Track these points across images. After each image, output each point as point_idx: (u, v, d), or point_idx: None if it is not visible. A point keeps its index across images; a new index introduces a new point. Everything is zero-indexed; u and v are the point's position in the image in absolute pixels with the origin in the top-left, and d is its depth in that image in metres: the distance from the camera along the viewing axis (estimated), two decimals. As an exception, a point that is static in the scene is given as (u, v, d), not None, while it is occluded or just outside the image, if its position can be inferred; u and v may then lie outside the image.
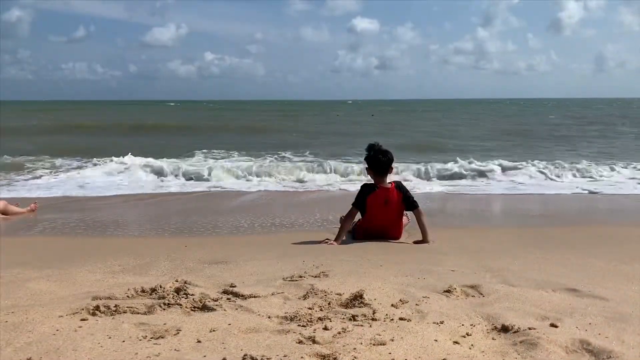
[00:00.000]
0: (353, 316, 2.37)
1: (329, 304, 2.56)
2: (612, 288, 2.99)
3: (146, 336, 2.12)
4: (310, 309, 2.48)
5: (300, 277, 3.13)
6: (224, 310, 2.46)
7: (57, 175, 10.91)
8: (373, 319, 2.34)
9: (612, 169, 11.20)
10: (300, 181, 10.31)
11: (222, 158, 14.07)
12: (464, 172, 10.83)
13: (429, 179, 10.62)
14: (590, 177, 10.58)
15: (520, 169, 11.17)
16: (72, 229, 5.82)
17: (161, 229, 5.88)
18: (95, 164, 12.01)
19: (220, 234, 5.56)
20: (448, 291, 2.81)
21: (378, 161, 4.85)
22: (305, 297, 2.70)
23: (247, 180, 10.39)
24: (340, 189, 9.32)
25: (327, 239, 4.82)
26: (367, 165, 4.97)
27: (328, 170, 11.21)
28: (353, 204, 4.92)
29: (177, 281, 2.87)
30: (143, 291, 2.74)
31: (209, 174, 10.57)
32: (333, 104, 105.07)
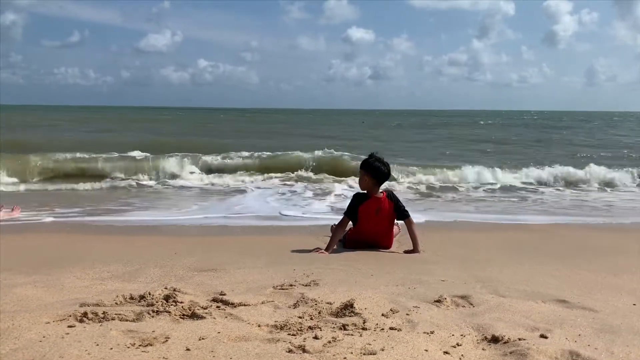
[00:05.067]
0: (343, 325, 2.36)
1: (319, 313, 2.55)
2: (601, 299, 3.00)
3: (134, 344, 2.09)
4: (300, 317, 2.47)
5: (291, 285, 3.12)
6: (214, 318, 2.45)
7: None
8: (363, 329, 2.33)
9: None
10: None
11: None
12: None
13: None
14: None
15: None
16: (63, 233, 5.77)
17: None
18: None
19: (210, 240, 5.53)
20: (438, 301, 2.81)
21: (379, 169, 4.83)
22: (295, 305, 2.69)
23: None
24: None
25: (317, 248, 4.81)
26: (365, 172, 4.88)
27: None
28: (345, 213, 4.91)
29: (166, 288, 2.85)
30: (132, 298, 2.71)
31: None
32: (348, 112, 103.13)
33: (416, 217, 5.35)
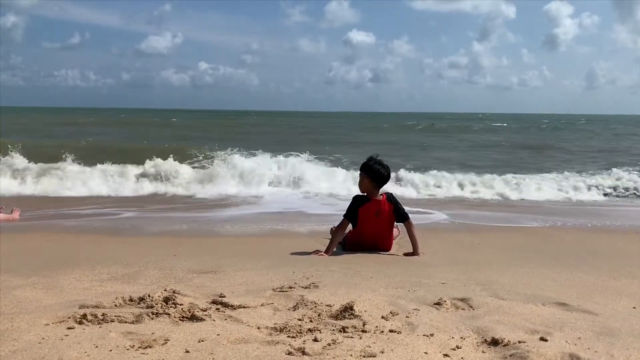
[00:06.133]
0: (343, 328, 2.36)
1: (319, 315, 2.54)
2: (601, 303, 3.00)
3: (134, 345, 2.09)
4: (300, 320, 2.47)
5: (290, 287, 3.12)
6: (213, 320, 2.44)
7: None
8: (363, 331, 2.33)
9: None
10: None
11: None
12: None
13: None
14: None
15: None
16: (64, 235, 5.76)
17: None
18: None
19: (210, 242, 5.53)
20: (438, 304, 2.81)
21: (378, 172, 4.83)
22: (295, 308, 2.69)
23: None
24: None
25: (317, 250, 4.81)
26: (365, 175, 4.88)
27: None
28: (344, 215, 4.91)
29: (165, 290, 2.85)
30: (131, 300, 2.71)
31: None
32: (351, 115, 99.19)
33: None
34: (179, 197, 9.77)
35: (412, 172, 11.91)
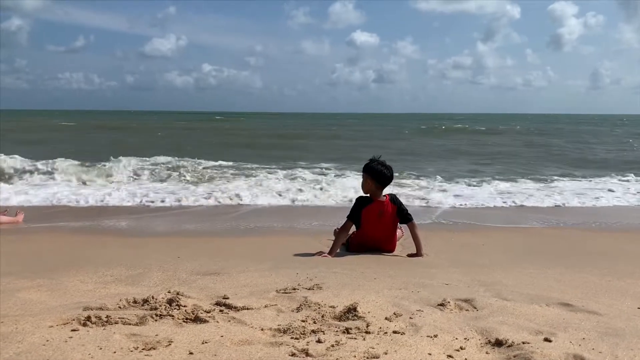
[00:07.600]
0: (347, 329, 2.35)
1: (322, 316, 2.54)
2: (606, 303, 2.99)
3: (137, 347, 2.10)
4: (303, 321, 2.47)
5: (294, 289, 3.12)
6: (217, 322, 2.45)
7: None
8: (367, 332, 2.33)
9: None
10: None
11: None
12: None
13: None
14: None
15: None
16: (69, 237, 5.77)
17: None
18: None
19: (213, 243, 5.54)
20: (442, 305, 2.81)
21: (381, 173, 4.83)
22: (298, 309, 2.69)
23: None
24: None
25: (321, 252, 4.81)
26: (368, 176, 4.88)
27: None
28: (348, 217, 4.91)
29: (169, 292, 2.85)
30: (135, 302, 2.71)
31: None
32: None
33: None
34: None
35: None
